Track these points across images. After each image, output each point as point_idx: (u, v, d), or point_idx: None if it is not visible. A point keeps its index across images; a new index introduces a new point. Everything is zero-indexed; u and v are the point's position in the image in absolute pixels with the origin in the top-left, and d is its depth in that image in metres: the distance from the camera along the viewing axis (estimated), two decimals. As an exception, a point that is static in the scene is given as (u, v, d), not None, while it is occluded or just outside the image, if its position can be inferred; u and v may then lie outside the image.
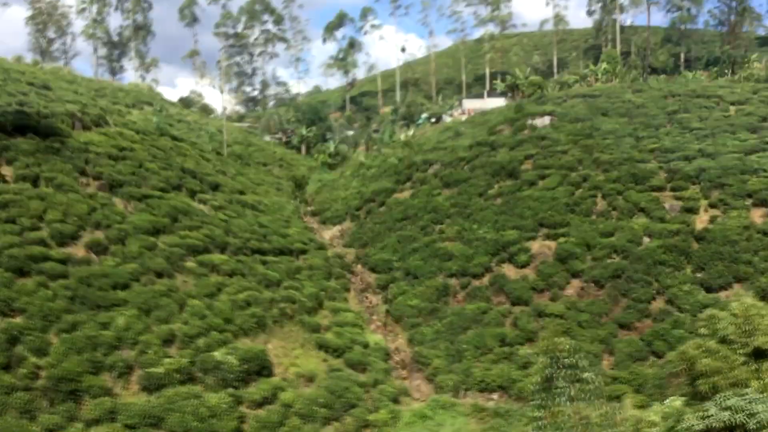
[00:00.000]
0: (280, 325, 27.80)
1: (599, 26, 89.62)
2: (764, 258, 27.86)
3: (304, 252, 35.98)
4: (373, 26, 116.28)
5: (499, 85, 68.20)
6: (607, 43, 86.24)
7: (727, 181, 32.61)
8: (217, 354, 23.74)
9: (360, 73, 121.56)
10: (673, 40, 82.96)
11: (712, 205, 31.87)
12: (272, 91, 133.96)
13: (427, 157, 46.95)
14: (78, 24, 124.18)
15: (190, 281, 28.03)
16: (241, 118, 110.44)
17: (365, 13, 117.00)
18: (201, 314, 25.83)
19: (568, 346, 15.65)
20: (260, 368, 24.45)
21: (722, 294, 27.11)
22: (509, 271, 32.73)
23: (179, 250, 29.26)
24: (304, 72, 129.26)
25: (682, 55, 79.08)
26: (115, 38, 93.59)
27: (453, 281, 33.17)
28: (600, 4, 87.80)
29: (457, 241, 35.76)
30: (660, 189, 34.03)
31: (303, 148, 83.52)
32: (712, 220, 31.02)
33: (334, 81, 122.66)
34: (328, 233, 41.97)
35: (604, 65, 58.87)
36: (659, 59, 71.07)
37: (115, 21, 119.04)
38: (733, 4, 77.65)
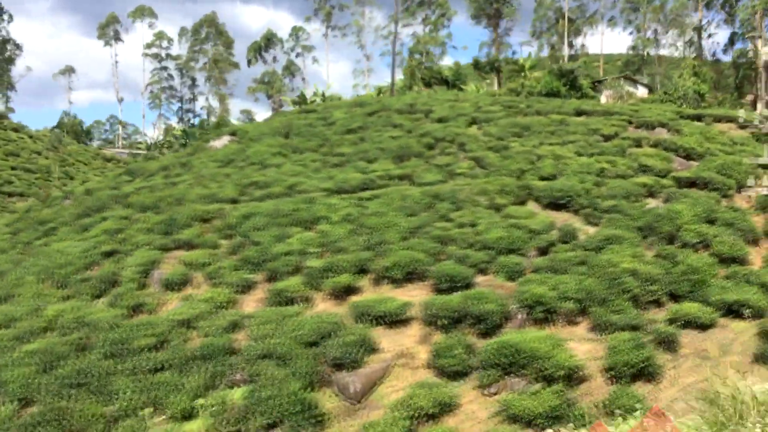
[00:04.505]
0: None
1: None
2: (215, 376, 13.74)
3: None
4: (304, 47, 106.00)
5: (286, 100, 55.93)
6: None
7: (260, 238, 18.91)
8: None
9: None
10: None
11: (210, 276, 18.22)
12: (233, 117, 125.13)
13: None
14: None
15: None
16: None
17: (296, 32, 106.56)
18: None
19: None
20: None
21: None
22: None
23: None
24: (229, 95, 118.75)
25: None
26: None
27: None
28: None
29: None
30: (192, 245, 20.60)
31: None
32: (187, 298, 17.32)
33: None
34: None
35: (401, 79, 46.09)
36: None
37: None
38: None
